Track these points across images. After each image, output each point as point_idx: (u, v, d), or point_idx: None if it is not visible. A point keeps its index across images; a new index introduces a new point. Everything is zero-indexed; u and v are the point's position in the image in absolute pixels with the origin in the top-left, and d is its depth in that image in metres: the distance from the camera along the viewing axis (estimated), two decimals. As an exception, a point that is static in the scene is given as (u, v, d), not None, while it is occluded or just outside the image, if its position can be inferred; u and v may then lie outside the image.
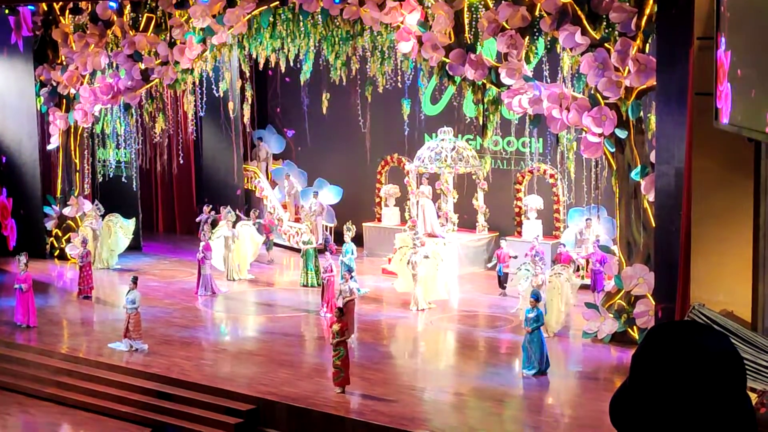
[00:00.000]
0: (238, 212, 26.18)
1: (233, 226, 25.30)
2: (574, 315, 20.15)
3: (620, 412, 2.63)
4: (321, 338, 20.34)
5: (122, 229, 27.05)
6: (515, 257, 22.74)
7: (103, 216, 27.01)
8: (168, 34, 25.21)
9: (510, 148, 26.21)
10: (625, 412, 2.61)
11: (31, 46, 27.45)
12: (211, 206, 26.72)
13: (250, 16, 23.47)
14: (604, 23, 18.84)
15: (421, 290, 21.82)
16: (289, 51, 24.53)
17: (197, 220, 27.03)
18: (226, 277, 24.91)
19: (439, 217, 25.96)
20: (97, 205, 27.47)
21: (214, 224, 25.81)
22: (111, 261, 26.75)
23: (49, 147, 28.02)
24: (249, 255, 25.65)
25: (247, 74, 28.04)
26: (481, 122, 21.41)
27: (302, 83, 26.96)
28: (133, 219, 27.57)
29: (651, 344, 2.58)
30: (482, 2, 20.68)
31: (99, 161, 28.68)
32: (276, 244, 28.01)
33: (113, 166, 27.89)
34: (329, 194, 28.84)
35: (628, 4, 18.45)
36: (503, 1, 19.85)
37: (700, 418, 2.49)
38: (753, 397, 12.98)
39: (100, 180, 28.67)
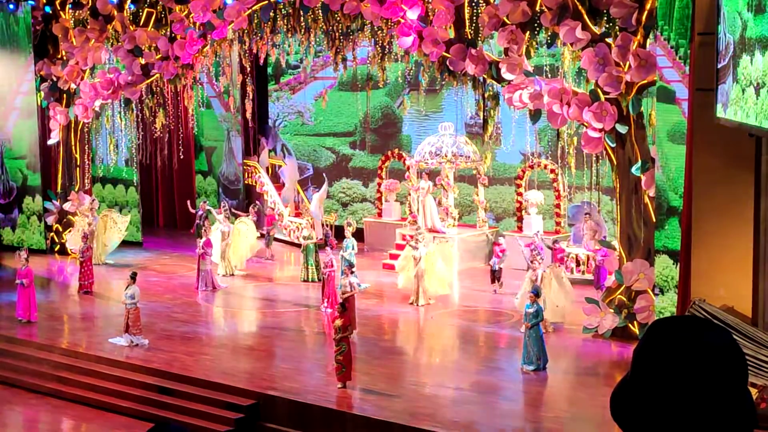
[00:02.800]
0: (234, 210, 26.05)
1: (231, 222, 25.39)
2: (574, 310, 20.14)
3: (621, 406, 2.63)
4: (321, 333, 20.35)
5: (117, 224, 27.07)
6: (503, 252, 22.78)
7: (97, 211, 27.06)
8: (168, 29, 25.21)
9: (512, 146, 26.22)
10: (626, 407, 2.61)
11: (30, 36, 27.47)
12: (207, 201, 26.72)
13: (250, 11, 23.46)
14: (605, 18, 18.83)
15: (424, 285, 21.82)
16: (290, 46, 24.56)
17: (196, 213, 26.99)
18: (223, 273, 24.91)
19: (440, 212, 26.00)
20: (93, 200, 27.51)
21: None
22: (103, 256, 26.72)
23: (50, 142, 28.04)
24: (246, 250, 25.67)
25: (248, 69, 28.04)
26: (482, 117, 21.41)
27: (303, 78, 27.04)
28: (129, 214, 27.59)
29: (652, 339, 2.58)
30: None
31: (99, 159, 28.70)
32: (276, 239, 28.02)
33: (112, 161, 27.89)
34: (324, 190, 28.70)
35: (628, -1, 18.43)
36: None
37: (700, 413, 2.49)
38: (753, 392, 13.00)
39: (101, 175, 28.74)
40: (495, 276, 22.95)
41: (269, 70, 30.18)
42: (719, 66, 13.79)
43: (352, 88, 27.36)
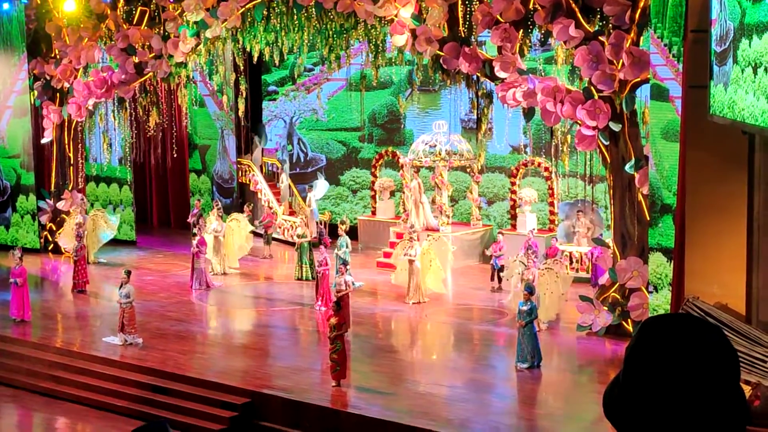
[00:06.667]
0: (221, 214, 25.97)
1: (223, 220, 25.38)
2: (568, 308, 20.16)
3: (614, 404, 2.63)
4: (316, 332, 20.35)
5: (107, 223, 27.02)
6: (500, 255, 22.79)
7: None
8: (162, 28, 25.16)
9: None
10: (619, 405, 2.61)
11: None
12: (202, 200, 26.69)
13: (243, 9, 23.42)
14: (598, 16, 18.83)
15: (418, 283, 21.82)
16: (283, 44, 24.54)
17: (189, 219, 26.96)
18: (218, 271, 24.87)
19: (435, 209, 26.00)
20: (82, 199, 27.48)
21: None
22: (92, 254, 26.61)
23: (43, 141, 27.99)
24: (237, 247, 25.66)
25: (241, 68, 28.02)
26: (476, 115, 21.43)
27: (296, 76, 27.09)
28: (119, 214, 27.58)
29: (645, 337, 2.58)
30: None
31: (93, 157, 28.68)
32: (273, 239, 27.96)
33: (106, 160, 27.88)
34: (320, 188, 28.88)
35: (622, -4, 18.42)
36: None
37: (693, 411, 2.50)
38: (747, 389, 13.02)
39: (94, 174, 28.72)
40: (497, 274, 22.94)
41: (287, 72, 30.59)
42: (720, 50, 13.86)
43: (360, 89, 28.11)
